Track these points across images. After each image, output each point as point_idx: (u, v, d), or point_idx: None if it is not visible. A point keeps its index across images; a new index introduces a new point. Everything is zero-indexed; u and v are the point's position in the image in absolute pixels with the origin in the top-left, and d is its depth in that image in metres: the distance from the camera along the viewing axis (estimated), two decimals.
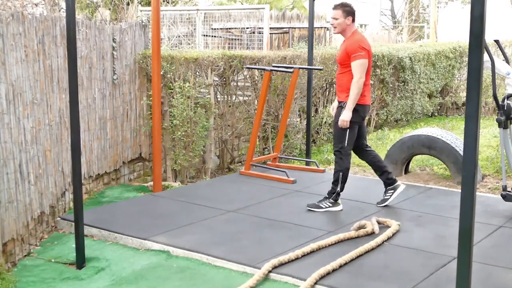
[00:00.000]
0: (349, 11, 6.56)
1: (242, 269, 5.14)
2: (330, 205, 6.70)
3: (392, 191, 6.86)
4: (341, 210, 6.72)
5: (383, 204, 6.84)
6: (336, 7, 6.62)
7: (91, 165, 7.25)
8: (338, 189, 6.68)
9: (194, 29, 13.69)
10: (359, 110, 6.54)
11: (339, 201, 6.77)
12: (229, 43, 14.21)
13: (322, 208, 6.69)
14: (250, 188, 7.66)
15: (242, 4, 23.74)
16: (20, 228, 5.58)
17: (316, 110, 10.86)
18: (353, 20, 6.60)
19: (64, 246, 5.85)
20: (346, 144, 6.57)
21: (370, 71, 6.70)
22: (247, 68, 8.81)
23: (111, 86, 7.59)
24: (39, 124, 6.00)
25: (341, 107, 6.56)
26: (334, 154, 6.71)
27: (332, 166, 9.38)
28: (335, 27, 6.62)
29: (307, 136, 9.17)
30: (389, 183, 6.88)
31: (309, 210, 6.70)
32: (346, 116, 6.44)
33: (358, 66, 6.39)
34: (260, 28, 13.58)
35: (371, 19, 40.65)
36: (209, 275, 5.08)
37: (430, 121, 14.28)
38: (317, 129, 10.90)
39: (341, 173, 6.64)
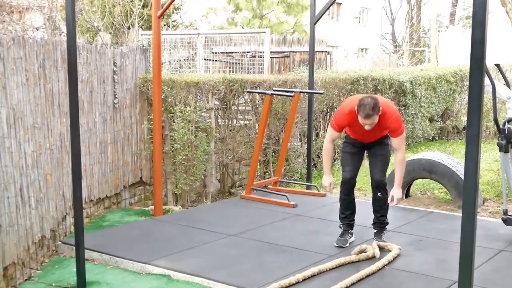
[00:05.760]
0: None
1: None
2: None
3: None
4: None
5: None
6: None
7: (92, 189, 7.25)
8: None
9: (195, 53, 13.77)
10: None
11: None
12: (230, 67, 14.26)
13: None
14: (251, 212, 7.65)
15: (243, 28, 23.88)
16: (21, 252, 5.57)
17: (317, 134, 10.86)
18: None
19: (65, 270, 5.83)
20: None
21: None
22: (248, 92, 8.84)
23: (112, 110, 7.62)
24: (40, 148, 6.01)
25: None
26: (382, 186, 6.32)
27: (336, 191, 9.36)
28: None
29: (308, 160, 9.16)
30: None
31: None
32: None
33: None
34: (261, 52, 13.63)
35: (372, 43, 40.91)
36: None
37: (431, 145, 14.28)
38: (318, 153, 10.89)
39: None
